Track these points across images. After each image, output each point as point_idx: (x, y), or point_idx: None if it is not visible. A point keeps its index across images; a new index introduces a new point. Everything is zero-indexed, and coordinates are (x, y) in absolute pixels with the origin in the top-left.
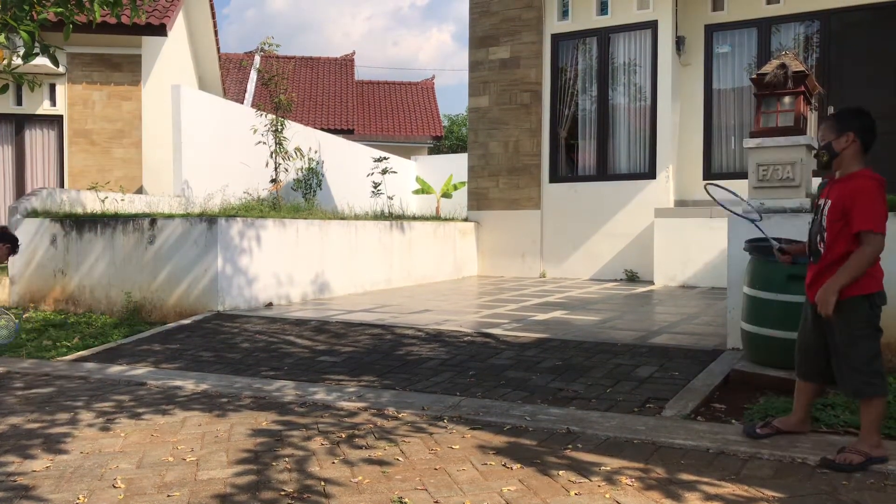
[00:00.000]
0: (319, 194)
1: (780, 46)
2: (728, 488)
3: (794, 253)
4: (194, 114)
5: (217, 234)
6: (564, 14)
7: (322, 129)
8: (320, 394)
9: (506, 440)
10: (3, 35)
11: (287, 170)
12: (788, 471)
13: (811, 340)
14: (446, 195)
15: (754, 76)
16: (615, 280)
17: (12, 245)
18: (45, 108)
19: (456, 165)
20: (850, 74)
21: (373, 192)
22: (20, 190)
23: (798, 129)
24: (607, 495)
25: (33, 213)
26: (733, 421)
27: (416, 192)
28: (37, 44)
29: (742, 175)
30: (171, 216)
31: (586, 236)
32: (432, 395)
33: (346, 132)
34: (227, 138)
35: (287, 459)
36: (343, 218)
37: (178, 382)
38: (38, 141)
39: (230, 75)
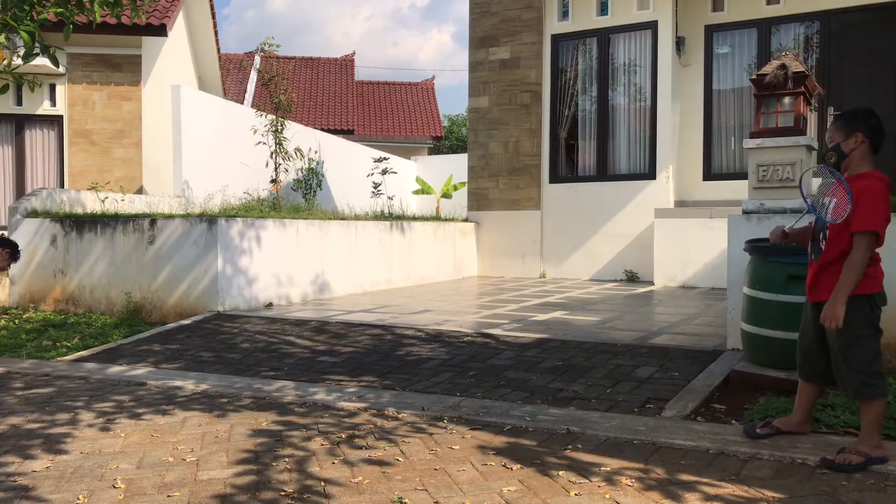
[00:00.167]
0: (319, 195)
1: (780, 47)
2: (728, 489)
3: (794, 238)
4: (194, 114)
5: (217, 235)
6: (564, 14)
7: (322, 130)
8: (320, 394)
9: (506, 440)
10: (3, 35)
11: (287, 170)
12: (788, 471)
13: (812, 341)
14: (446, 195)
15: (754, 77)
16: (615, 280)
17: (12, 251)
18: (45, 108)
19: (456, 166)
20: (850, 75)
21: (373, 192)
22: (20, 190)
23: (798, 129)
24: (607, 496)
25: (33, 214)
26: (733, 421)
27: (416, 192)
28: (37, 44)
29: (742, 175)
30: (171, 216)
31: (586, 237)
32: (432, 395)
33: (347, 132)
34: (228, 138)
35: (287, 460)
36: (343, 218)
37: (178, 383)
38: (38, 141)
39: (230, 76)
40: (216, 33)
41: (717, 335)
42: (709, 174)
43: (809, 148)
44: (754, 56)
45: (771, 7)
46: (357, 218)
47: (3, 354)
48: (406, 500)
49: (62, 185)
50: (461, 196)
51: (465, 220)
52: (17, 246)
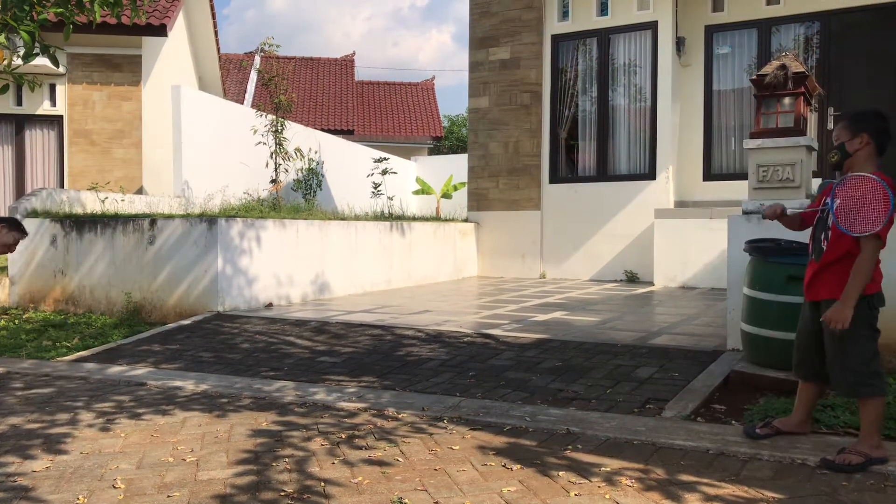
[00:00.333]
0: (319, 195)
1: (780, 47)
2: (728, 489)
3: (787, 221)
4: (194, 114)
5: (217, 235)
6: (564, 15)
7: (322, 130)
8: (320, 394)
9: (506, 441)
10: (3, 35)
11: (287, 170)
12: (788, 472)
13: (809, 340)
14: (446, 196)
15: (754, 77)
16: (615, 281)
17: (9, 225)
18: (45, 108)
19: (456, 166)
20: (851, 75)
21: (373, 192)
22: (20, 190)
23: (798, 130)
24: (607, 496)
25: (33, 214)
26: (733, 422)
27: (416, 192)
28: (37, 44)
29: (742, 176)
30: (171, 216)
31: (586, 237)
32: (432, 395)
33: (347, 133)
34: (228, 139)
35: (287, 460)
36: (343, 218)
37: (177, 383)
38: (38, 141)
39: (230, 76)
40: (216, 33)
41: (717, 335)
42: (709, 174)
43: (809, 148)
44: (754, 56)
45: (771, 7)
46: (357, 218)
47: (3, 354)
48: (406, 501)
49: (62, 185)
50: (461, 196)
51: (465, 220)
52: (18, 221)
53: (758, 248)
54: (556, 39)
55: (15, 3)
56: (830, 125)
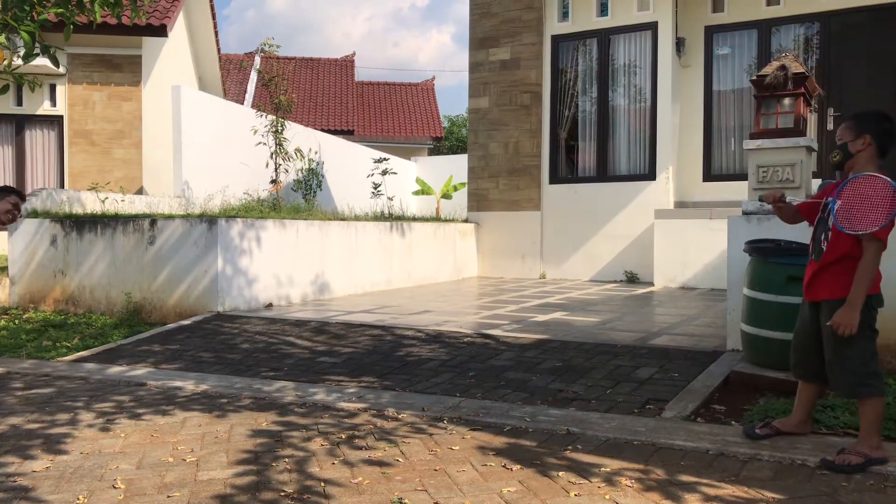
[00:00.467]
0: (319, 195)
1: (780, 48)
2: (728, 489)
3: (785, 210)
4: (194, 114)
5: (217, 235)
6: (564, 15)
7: (322, 130)
8: (320, 394)
9: (506, 441)
10: (3, 35)
11: (287, 170)
12: (788, 472)
13: (808, 341)
14: (446, 196)
15: (754, 78)
16: (615, 281)
17: (8, 192)
18: (45, 108)
19: (456, 166)
20: (851, 76)
21: (373, 192)
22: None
23: (798, 130)
24: (607, 496)
25: (33, 214)
26: (733, 422)
27: (416, 192)
28: (37, 44)
29: (742, 177)
30: (171, 217)
31: (586, 237)
32: (432, 395)
33: (347, 133)
34: (228, 139)
35: (287, 460)
36: (343, 219)
37: (177, 383)
38: (38, 141)
39: (230, 76)
40: (216, 34)
41: (716, 336)
42: (709, 175)
43: (809, 149)
44: (754, 57)
45: (771, 8)
46: (357, 218)
47: (3, 355)
48: (406, 501)
49: (62, 186)
50: (461, 197)
51: (465, 220)
52: (12, 188)
53: (758, 249)
54: (557, 40)
55: (15, 3)
56: (830, 126)
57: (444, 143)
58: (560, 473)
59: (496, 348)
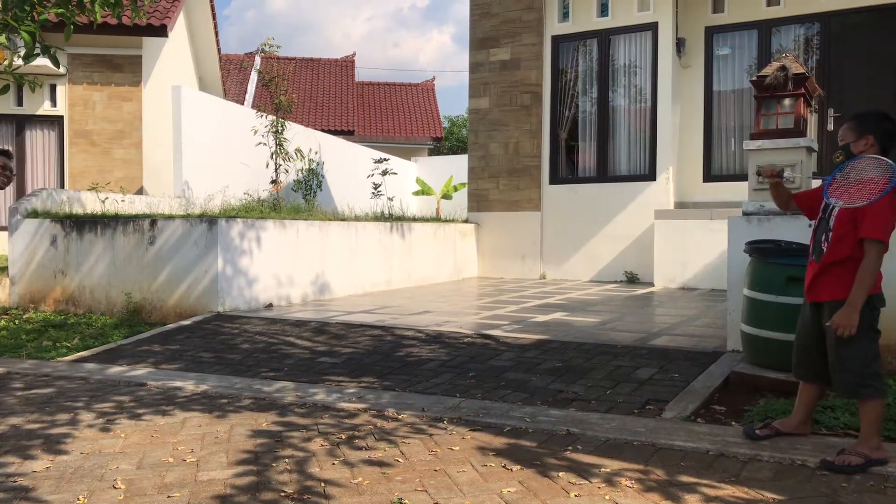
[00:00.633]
0: (320, 195)
1: (781, 48)
2: (728, 490)
3: (780, 189)
4: (195, 114)
5: (217, 235)
6: (565, 16)
7: (322, 130)
8: (320, 395)
9: (506, 441)
10: (3, 36)
11: (287, 171)
12: (788, 473)
13: (809, 341)
14: (446, 196)
15: (754, 78)
16: (615, 282)
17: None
18: (45, 108)
19: (456, 167)
20: (851, 76)
21: (373, 193)
22: (20, 190)
23: (798, 131)
24: (607, 497)
25: (33, 214)
26: (733, 423)
27: (417, 193)
28: (38, 44)
29: (742, 177)
30: (171, 217)
31: (586, 238)
32: (432, 396)
33: (347, 133)
34: (228, 139)
35: (287, 460)
36: (343, 219)
37: (178, 383)
38: (38, 141)
39: (231, 76)
40: (216, 34)
41: (717, 336)
42: (709, 175)
43: (810, 150)
44: (754, 57)
45: (771, 8)
46: (357, 219)
47: (3, 355)
48: (406, 501)
49: (62, 186)
50: (461, 197)
51: (466, 221)
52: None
53: (758, 250)
54: (557, 40)
55: (16, 3)
56: (831, 126)
57: (445, 144)
58: (560, 474)
59: (496, 349)
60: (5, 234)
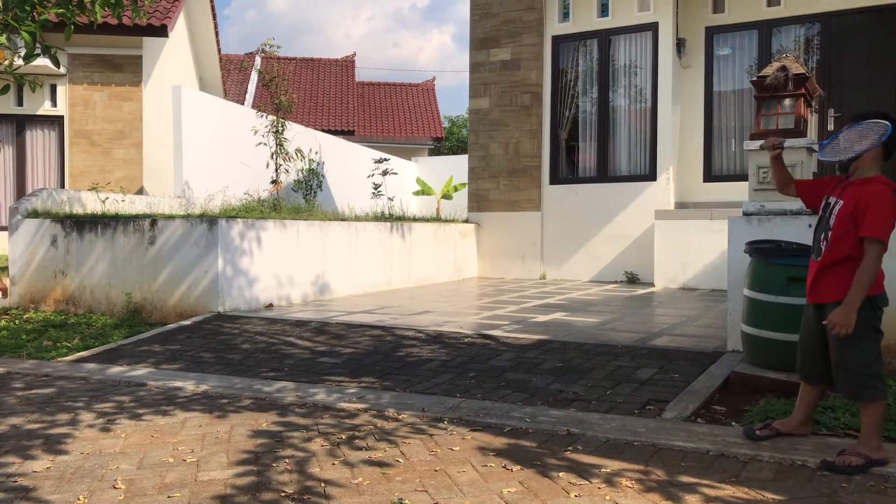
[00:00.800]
0: (320, 195)
1: (781, 48)
2: (728, 490)
3: (779, 162)
4: (195, 115)
5: (217, 235)
6: (565, 16)
7: (323, 131)
8: (320, 395)
9: (506, 442)
10: (4, 36)
11: (288, 171)
12: (788, 473)
13: (813, 343)
14: (447, 196)
15: (755, 78)
16: (615, 282)
17: None
18: (45, 108)
19: (456, 167)
20: (851, 76)
21: (373, 193)
22: (21, 190)
23: (798, 131)
24: (607, 497)
25: (34, 214)
26: (733, 423)
27: (417, 193)
28: (38, 44)
29: (742, 177)
30: (171, 217)
31: (586, 238)
32: (432, 396)
33: (347, 133)
34: (228, 139)
35: (287, 460)
36: (343, 219)
37: (178, 383)
38: (38, 141)
39: (231, 76)
40: (217, 34)
41: (717, 337)
42: (709, 176)
43: (810, 150)
44: (755, 58)
45: (771, 9)
46: (357, 219)
47: (3, 355)
48: (406, 501)
49: (63, 186)
50: (461, 197)
51: (466, 221)
52: None
53: (758, 250)
54: (557, 40)
55: (16, 3)
56: (831, 126)
57: (445, 144)
58: (560, 474)
59: (496, 349)
60: (5, 234)
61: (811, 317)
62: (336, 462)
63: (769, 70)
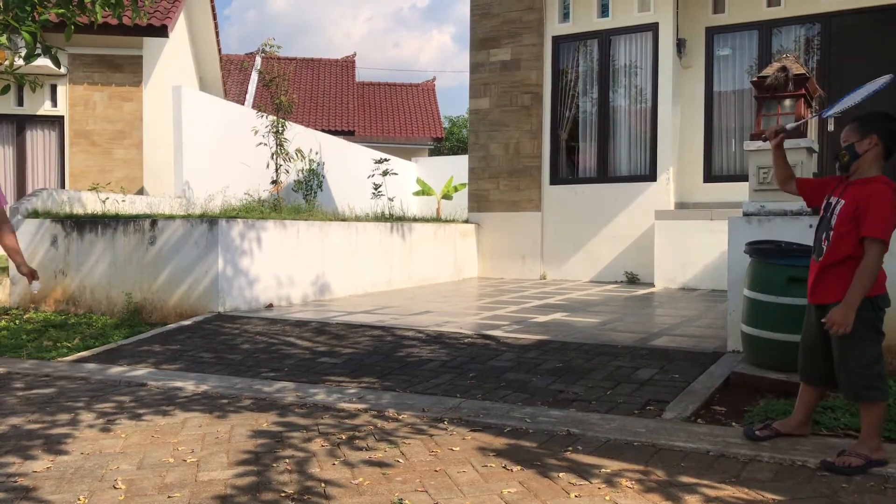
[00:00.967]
0: (320, 195)
1: (781, 49)
2: (728, 491)
3: (780, 141)
4: (195, 115)
5: (218, 236)
6: (565, 16)
7: (323, 131)
8: (321, 395)
9: (506, 442)
10: (4, 36)
11: (288, 171)
12: (788, 473)
13: (814, 344)
14: (447, 197)
15: (755, 79)
16: (615, 282)
17: None
18: (46, 108)
19: (456, 167)
20: (851, 77)
21: (373, 193)
22: (21, 191)
23: (799, 131)
24: (607, 497)
25: (34, 214)
26: (733, 423)
27: (417, 193)
28: (38, 45)
29: (742, 178)
30: (171, 217)
31: (587, 238)
32: (433, 396)
33: (347, 133)
34: (228, 139)
35: (287, 461)
36: (344, 219)
37: (178, 383)
38: (39, 141)
39: (231, 76)
40: (217, 34)
41: (717, 337)
42: (709, 176)
43: (810, 150)
44: (755, 58)
45: (771, 9)
46: (358, 219)
47: (3, 355)
48: (406, 502)
49: (63, 186)
50: (461, 197)
51: (466, 221)
52: None
53: (758, 250)
54: (557, 41)
55: (17, 3)
56: (831, 127)
57: (445, 144)
58: (560, 474)
59: (497, 349)
60: None
61: (812, 317)
62: (336, 462)
63: (769, 70)
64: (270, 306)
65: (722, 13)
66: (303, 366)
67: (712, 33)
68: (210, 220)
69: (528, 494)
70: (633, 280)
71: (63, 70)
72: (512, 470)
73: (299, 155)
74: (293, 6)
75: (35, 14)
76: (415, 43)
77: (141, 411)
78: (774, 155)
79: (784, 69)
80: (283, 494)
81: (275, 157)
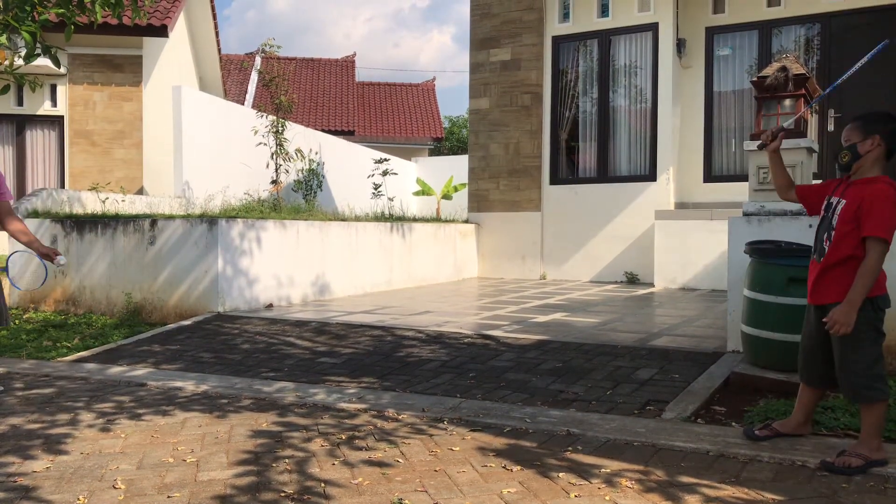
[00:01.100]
0: (320, 195)
1: (781, 49)
2: (728, 491)
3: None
4: (195, 115)
5: (217, 236)
6: (565, 16)
7: (323, 131)
8: (320, 395)
9: (506, 442)
10: (4, 36)
11: (288, 171)
12: (788, 473)
13: (814, 344)
14: (447, 197)
15: (755, 79)
16: (615, 282)
17: None
18: (46, 108)
19: (456, 167)
20: (851, 77)
21: (373, 193)
22: (21, 190)
23: (799, 131)
24: (607, 497)
25: (34, 214)
26: (733, 423)
27: (417, 193)
28: (38, 44)
29: (742, 178)
30: (171, 217)
31: (587, 238)
32: (432, 396)
33: (347, 133)
34: (228, 139)
35: (287, 461)
36: (343, 219)
37: (178, 383)
38: (38, 141)
39: (231, 76)
40: (217, 34)
41: (717, 337)
42: (709, 176)
43: (810, 150)
44: (755, 58)
45: (771, 9)
46: (357, 219)
47: (3, 355)
48: (406, 502)
49: (63, 186)
50: (461, 197)
51: (466, 221)
52: None
53: (758, 250)
54: (557, 41)
55: (16, 3)
56: (831, 127)
57: (445, 144)
58: (560, 474)
59: (496, 349)
60: (5, 234)
61: (812, 318)
62: (336, 462)
63: (769, 70)
64: (270, 306)
65: (722, 13)
66: (303, 366)
67: (712, 33)
68: (210, 219)
69: (527, 494)
70: (633, 280)
71: (63, 70)
72: (512, 470)
73: (299, 155)
74: (293, 6)
75: (35, 14)
76: (415, 43)
77: (141, 411)
78: (771, 160)
79: (784, 69)
80: (282, 494)
81: (274, 156)
